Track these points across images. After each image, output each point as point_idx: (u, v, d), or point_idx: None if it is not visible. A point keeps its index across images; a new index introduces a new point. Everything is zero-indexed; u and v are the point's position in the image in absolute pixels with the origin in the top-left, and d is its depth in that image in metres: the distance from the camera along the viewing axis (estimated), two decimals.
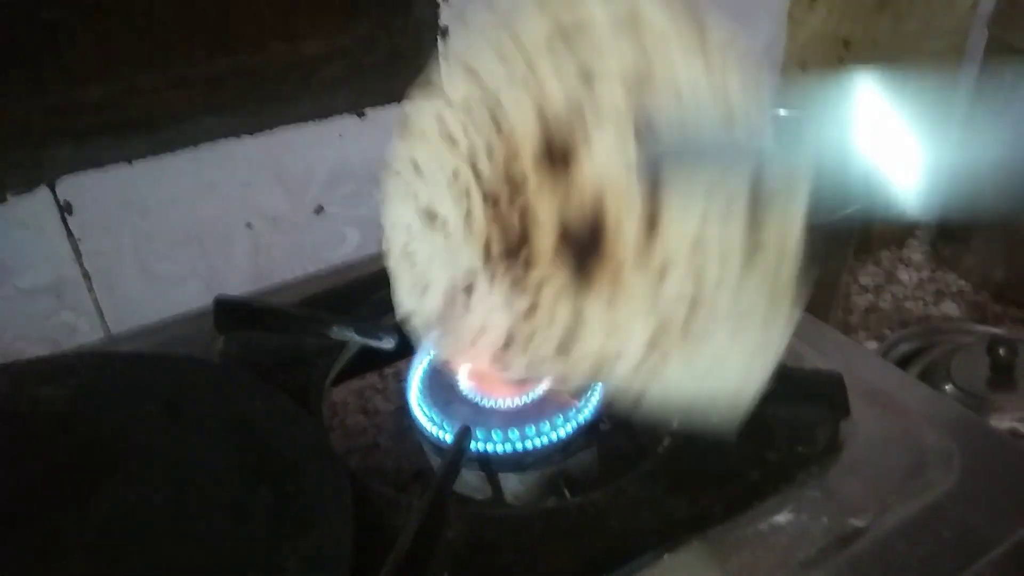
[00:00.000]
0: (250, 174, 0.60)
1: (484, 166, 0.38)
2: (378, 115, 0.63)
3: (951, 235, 0.83)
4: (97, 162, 0.54)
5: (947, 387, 0.58)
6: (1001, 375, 0.57)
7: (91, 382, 0.44)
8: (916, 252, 0.85)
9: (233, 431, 0.40)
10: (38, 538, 0.35)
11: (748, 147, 0.32)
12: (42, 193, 0.53)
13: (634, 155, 0.33)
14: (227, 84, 0.57)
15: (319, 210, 0.64)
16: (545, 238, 0.35)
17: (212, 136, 0.58)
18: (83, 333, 0.58)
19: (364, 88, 0.62)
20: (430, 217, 0.40)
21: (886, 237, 0.85)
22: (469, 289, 0.38)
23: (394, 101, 0.63)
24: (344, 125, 0.62)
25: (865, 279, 0.81)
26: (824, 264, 0.62)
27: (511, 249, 0.36)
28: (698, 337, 0.35)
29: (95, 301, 0.58)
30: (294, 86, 0.59)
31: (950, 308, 0.77)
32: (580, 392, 0.42)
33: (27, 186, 0.53)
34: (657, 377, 0.36)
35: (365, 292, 0.54)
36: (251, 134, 0.59)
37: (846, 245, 0.64)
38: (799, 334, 0.49)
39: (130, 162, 0.55)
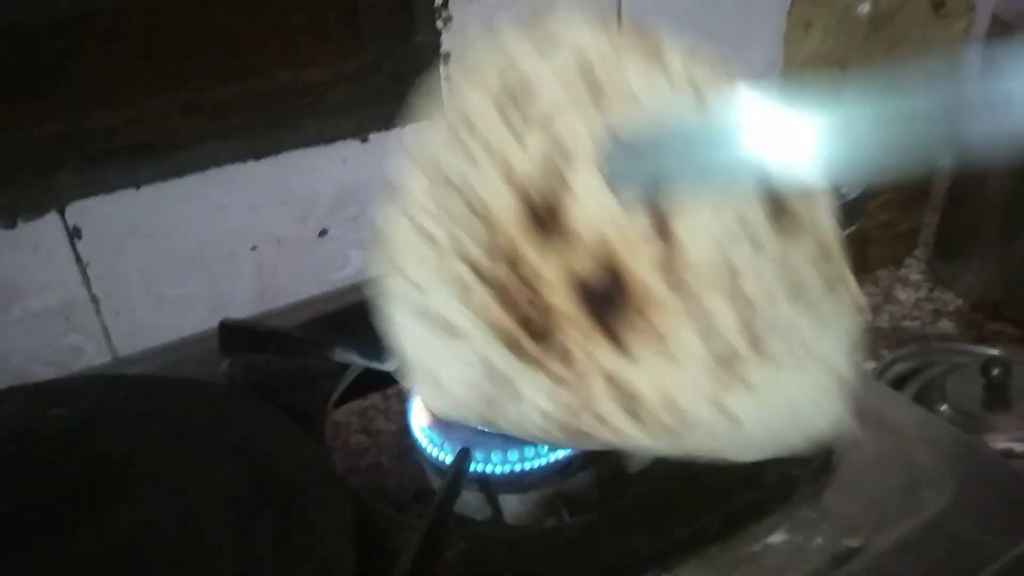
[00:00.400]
0: (256, 198, 0.61)
1: (475, 253, 0.36)
2: (381, 139, 0.64)
3: (949, 254, 0.84)
4: (106, 187, 0.55)
5: (942, 407, 0.59)
6: (996, 395, 0.58)
7: (98, 404, 0.44)
8: (914, 271, 0.86)
9: (237, 452, 0.41)
10: (45, 559, 0.36)
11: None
12: (51, 218, 0.54)
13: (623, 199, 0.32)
14: (234, 110, 0.58)
15: (323, 233, 0.65)
16: (564, 305, 0.34)
17: (219, 161, 0.59)
18: (90, 355, 0.59)
19: (367, 113, 0.63)
20: (447, 331, 0.37)
21: (884, 256, 0.86)
22: (490, 378, 0.36)
23: (397, 126, 0.65)
24: (348, 149, 0.63)
25: (863, 299, 0.82)
26: None
27: (540, 335, 0.35)
28: (772, 350, 0.33)
29: (103, 324, 0.59)
30: (299, 111, 0.60)
31: (947, 327, 0.77)
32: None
33: (37, 211, 0.54)
34: (747, 400, 0.34)
35: (368, 313, 0.55)
36: (257, 159, 0.60)
37: None
38: None
39: (138, 187, 0.56)
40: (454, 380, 0.37)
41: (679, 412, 0.34)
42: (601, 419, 0.34)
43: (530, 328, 0.35)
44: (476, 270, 0.36)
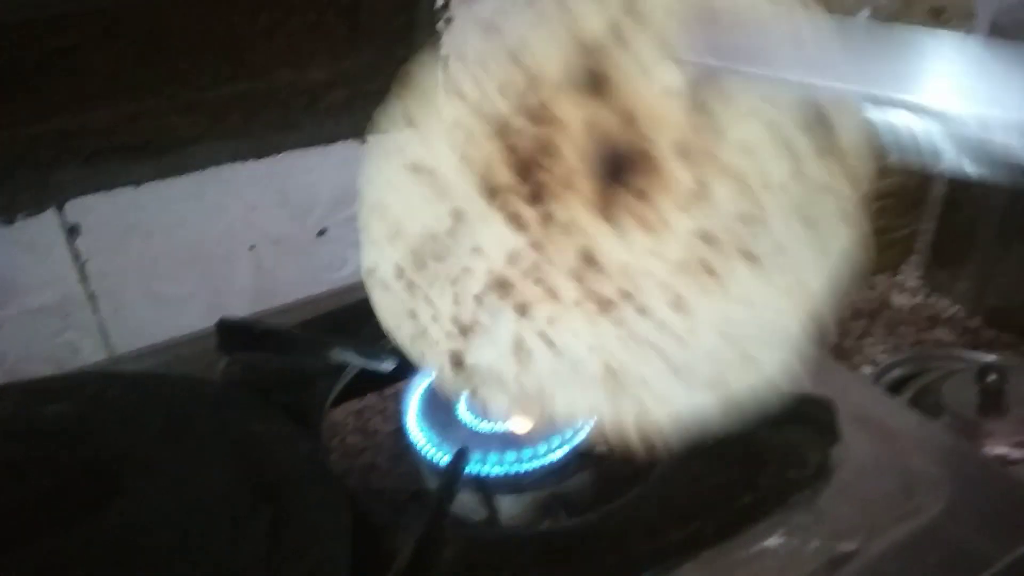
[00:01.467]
0: (255, 197, 0.61)
1: (494, 106, 0.37)
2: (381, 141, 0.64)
3: (945, 261, 0.84)
4: (104, 185, 0.55)
5: (939, 413, 0.59)
6: (991, 401, 0.58)
7: (95, 401, 0.44)
8: (910, 277, 0.86)
9: (234, 451, 0.41)
10: (41, 556, 0.36)
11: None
12: (50, 215, 0.54)
13: (677, 74, 0.33)
14: (233, 109, 0.58)
15: (322, 233, 0.65)
16: (573, 157, 0.34)
17: (218, 160, 0.58)
18: (88, 353, 0.59)
19: (367, 114, 0.63)
20: (415, 171, 0.39)
21: (880, 262, 0.86)
22: (452, 232, 0.36)
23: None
24: (347, 150, 0.63)
25: (860, 304, 0.82)
26: None
27: (521, 176, 0.35)
28: (761, 258, 0.32)
29: (100, 321, 0.59)
30: (299, 112, 0.60)
31: (943, 334, 0.78)
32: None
33: (35, 208, 0.54)
34: (711, 300, 0.32)
35: (366, 314, 0.55)
36: (256, 158, 0.60)
37: None
38: None
39: (137, 185, 0.56)
40: (413, 221, 0.37)
41: (632, 291, 0.33)
42: (550, 291, 0.34)
43: (525, 184, 0.35)
44: (492, 123, 0.36)
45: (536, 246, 0.34)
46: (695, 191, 0.32)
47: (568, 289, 0.33)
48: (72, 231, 0.55)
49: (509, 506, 0.45)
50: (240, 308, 0.61)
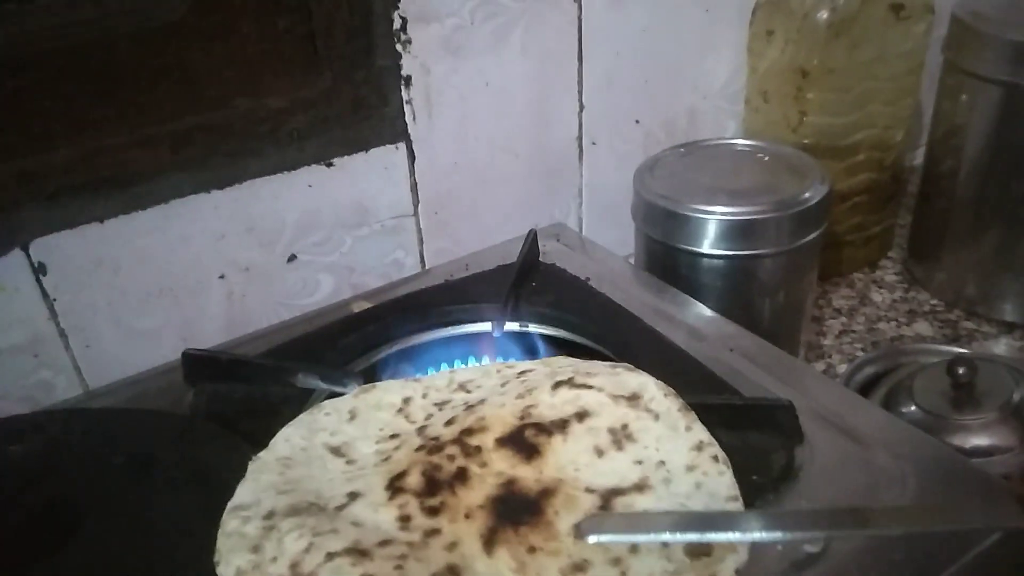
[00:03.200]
0: (221, 226, 0.61)
1: (435, 431, 0.42)
2: (345, 163, 0.65)
3: (923, 255, 0.84)
4: (69, 222, 0.56)
5: (911, 408, 0.59)
6: (963, 394, 0.58)
7: (60, 439, 0.45)
8: (889, 273, 0.86)
9: (197, 483, 0.41)
10: None
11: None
12: (16, 255, 0.54)
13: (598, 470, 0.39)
14: (194, 140, 0.58)
15: (291, 259, 0.65)
16: (480, 491, 0.38)
17: (182, 192, 0.59)
18: (61, 390, 0.59)
19: (330, 138, 0.64)
20: (335, 452, 0.43)
21: (858, 259, 0.86)
22: (341, 508, 0.38)
23: (360, 149, 0.65)
24: (312, 175, 0.64)
25: (839, 302, 0.82)
26: (788, 290, 0.63)
27: (429, 489, 0.38)
28: None
29: (72, 358, 0.59)
30: (261, 139, 0.61)
31: (923, 327, 0.78)
32: None
33: (1, 249, 0.54)
34: None
35: (333, 338, 0.55)
36: (220, 188, 0.60)
37: (809, 270, 0.65)
38: (759, 362, 0.51)
39: (101, 221, 0.57)
40: (309, 487, 0.40)
41: None
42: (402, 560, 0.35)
43: (429, 497, 0.38)
44: (427, 441, 0.42)
45: (412, 545, 0.36)
46: (576, 565, 0.36)
47: None
48: (39, 269, 0.56)
49: None
50: (212, 338, 0.62)
